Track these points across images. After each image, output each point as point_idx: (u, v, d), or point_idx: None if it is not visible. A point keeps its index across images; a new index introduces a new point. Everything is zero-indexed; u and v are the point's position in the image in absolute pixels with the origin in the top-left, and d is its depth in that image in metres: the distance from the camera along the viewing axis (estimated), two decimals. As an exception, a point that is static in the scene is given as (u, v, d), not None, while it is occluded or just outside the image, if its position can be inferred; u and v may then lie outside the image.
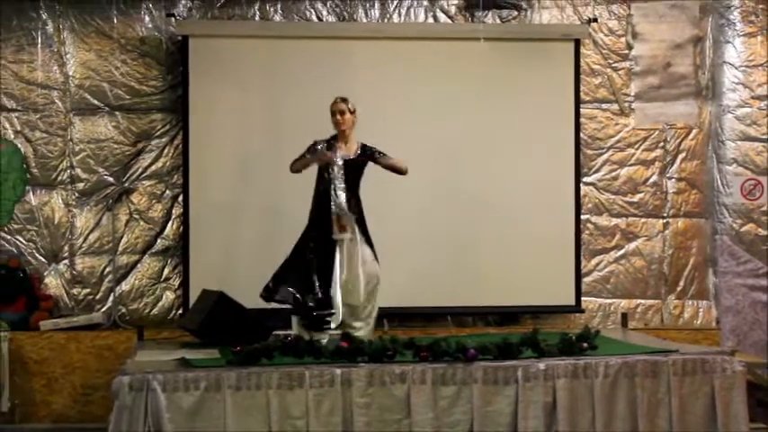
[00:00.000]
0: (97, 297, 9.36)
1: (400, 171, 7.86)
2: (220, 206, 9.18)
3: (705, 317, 9.82)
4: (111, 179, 9.39)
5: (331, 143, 7.80)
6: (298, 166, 7.85)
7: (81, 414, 8.79)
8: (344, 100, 7.85)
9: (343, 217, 7.68)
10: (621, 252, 9.79)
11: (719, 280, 9.50)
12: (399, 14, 9.66)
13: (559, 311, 9.54)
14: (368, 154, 7.85)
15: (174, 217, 9.42)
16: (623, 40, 9.85)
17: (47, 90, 9.37)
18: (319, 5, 9.58)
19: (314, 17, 9.57)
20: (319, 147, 7.71)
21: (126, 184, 9.39)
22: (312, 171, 7.87)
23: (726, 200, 9.77)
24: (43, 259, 9.34)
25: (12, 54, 9.34)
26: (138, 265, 9.42)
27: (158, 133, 9.43)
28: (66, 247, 9.37)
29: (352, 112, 7.85)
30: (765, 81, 9.79)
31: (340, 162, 7.68)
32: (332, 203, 7.65)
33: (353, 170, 7.80)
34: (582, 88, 9.64)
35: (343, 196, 7.65)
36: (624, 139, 9.82)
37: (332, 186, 7.67)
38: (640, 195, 9.83)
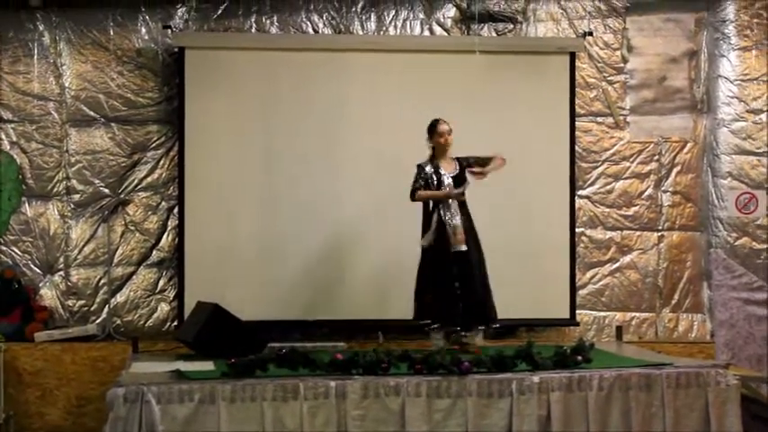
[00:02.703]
0: (92, 308, 9.34)
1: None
2: (216, 218, 9.18)
3: (700, 330, 9.82)
4: (106, 191, 9.38)
5: (433, 163, 8.13)
6: (425, 198, 8.11)
7: (75, 426, 8.77)
8: (446, 121, 8.16)
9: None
10: (616, 265, 9.79)
11: (714, 293, 9.55)
12: (395, 27, 9.67)
13: (554, 324, 9.54)
14: (464, 166, 8.16)
15: (169, 229, 9.41)
16: (618, 53, 9.86)
17: (43, 101, 9.37)
18: (315, 18, 9.59)
19: (310, 29, 9.58)
20: (427, 169, 8.08)
21: (122, 196, 9.38)
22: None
23: (721, 213, 9.78)
24: (38, 270, 9.33)
25: (8, 65, 9.35)
26: (134, 277, 9.41)
27: (154, 145, 9.43)
28: (61, 259, 9.36)
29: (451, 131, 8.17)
30: (760, 95, 9.80)
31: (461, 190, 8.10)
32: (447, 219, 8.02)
33: (458, 185, 8.09)
34: (577, 101, 9.64)
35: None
36: (619, 153, 9.84)
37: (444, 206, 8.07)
38: (635, 208, 9.83)
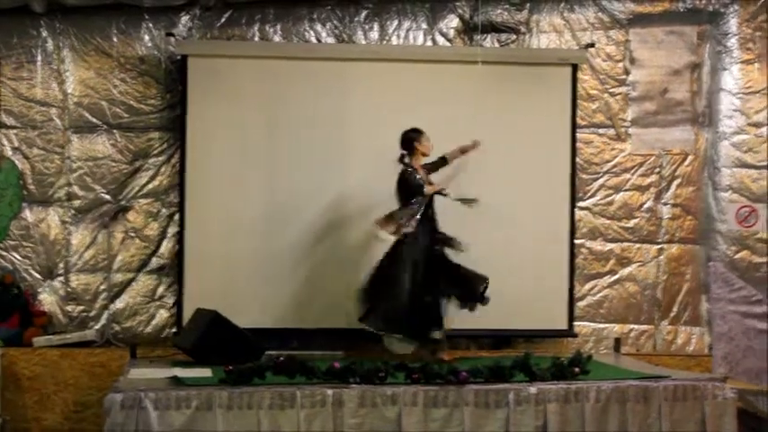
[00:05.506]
0: (91, 314, 9.34)
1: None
2: (216, 225, 9.18)
3: (698, 343, 9.81)
4: (107, 197, 9.40)
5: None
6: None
7: (73, 431, 8.78)
8: None
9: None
10: (615, 277, 9.79)
11: (713, 306, 9.53)
12: (398, 37, 9.69)
13: (552, 336, 9.53)
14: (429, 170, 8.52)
15: (169, 235, 9.42)
16: (621, 65, 9.88)
17: (45, 107, 9.39)
18: (318, 27, 9.61)
19: (313, 38, 9.60)
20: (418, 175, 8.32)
21: (122, 203, 9.39)
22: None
23: (720, 226, 9.77)
24: (38, 276, 9.33)
25: (11, 71, 9.37)
26: (133, 283, 9.41)
27: (156, 152, 9.44)
28: (61, 264, 9.36)
29: None
30: (762, 108, 9.80)
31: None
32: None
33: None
34: (579, 113, 9.65)
35: None
36: (620, 165, 9.84)
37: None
38: (635, 221, 9.83)
